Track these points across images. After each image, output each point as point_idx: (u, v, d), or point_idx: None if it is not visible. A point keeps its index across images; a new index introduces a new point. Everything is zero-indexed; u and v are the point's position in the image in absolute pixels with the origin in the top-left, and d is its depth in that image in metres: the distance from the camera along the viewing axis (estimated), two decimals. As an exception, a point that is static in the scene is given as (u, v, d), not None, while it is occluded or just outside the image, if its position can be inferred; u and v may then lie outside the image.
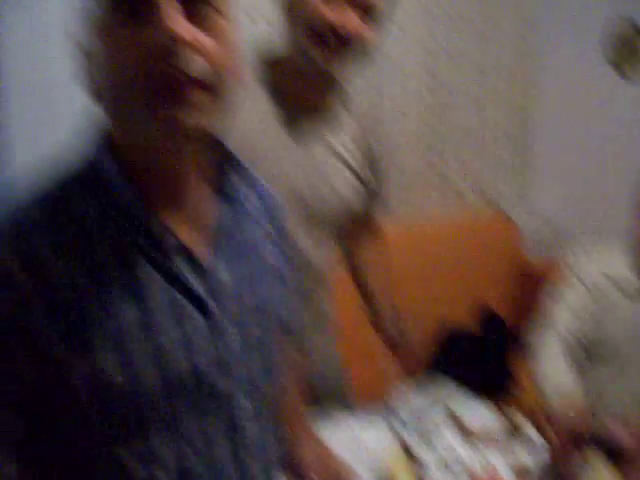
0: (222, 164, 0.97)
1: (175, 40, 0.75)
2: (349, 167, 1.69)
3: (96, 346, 0.80)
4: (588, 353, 2.15)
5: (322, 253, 1.70)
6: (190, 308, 0.87)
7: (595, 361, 2.13)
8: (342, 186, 1.67)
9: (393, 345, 1.85)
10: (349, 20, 1.45)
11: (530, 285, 3.40)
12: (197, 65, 0.78)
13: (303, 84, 1.58)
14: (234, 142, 1.00)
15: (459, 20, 3.37)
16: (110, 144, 0.87)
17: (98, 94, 0.84)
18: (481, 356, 3.09)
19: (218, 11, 0.81)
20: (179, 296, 0.86)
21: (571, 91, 3.46)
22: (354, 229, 1.87)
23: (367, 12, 1.48)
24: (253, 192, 1.06)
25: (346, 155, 1.67)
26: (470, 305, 3.34)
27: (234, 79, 0.84)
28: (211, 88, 0.80)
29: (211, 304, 0.89)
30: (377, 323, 1.91)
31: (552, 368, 2.19)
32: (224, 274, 0.92)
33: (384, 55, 3.11)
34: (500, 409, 1.87)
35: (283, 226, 1.11)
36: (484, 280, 3.37)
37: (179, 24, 0.76)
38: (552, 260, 3.53)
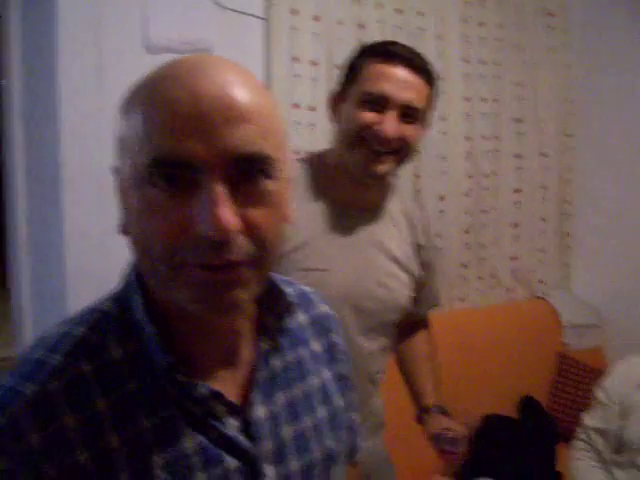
0: (263, 297, 0.90)
1: (223, 231, 0.70)
2: (398, 263, 1.72)
3: None
4: (617, 452, 2.18)
5: (376, 349, 1.72)
6: (221, 452, 0.82)
7: (625, 461, 2.15)
8: (393, 282, 1.70)
9: (439, 446, 1.79)
10: (390, 124, 1.52)
11: (567, 373, 3.38)
12: (243, 248, 0.74)
13: (351, 186, 1.64)
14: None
15: (498, 106, 3.44)
16: (139, 275, 0.84)
17: (126, 229, 0.81)
18: (520, 443, 3.06)
19: (267, 176, 0.76)
20: (207, 441, 0.81)
21: (611, 179, 3.50)
22: (404, 323, 1.87)
23: (409, 114, 1.55)
24: (300, 310, 1.02)
25: (396, 251, 1.72)
26: (510, 392, 3.30)
27: (280, 244, 0.80)
28: (257, 263, 0.76)
29: (245, 445, 0.84)
30: (421, 418, 1.88)
31: (579, 465, 2.23)
32: (260, 410, 0.87)
33: (426, 139, 3.16)
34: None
35: (334, 342, 1.06)
36: (525, 367, 3.35)
37: (228, 210, 0.71)
38: (592, 349, 3.52)
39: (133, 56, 2.50)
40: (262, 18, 2.77)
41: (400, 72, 1.54)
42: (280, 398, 0.91)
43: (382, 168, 1.58)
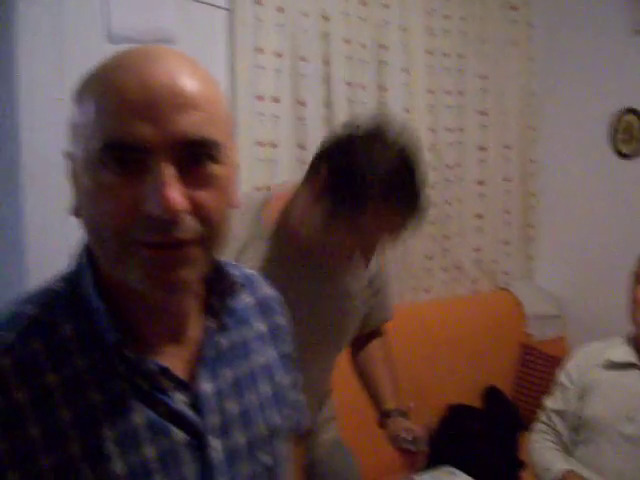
0: (210, 277, 0.94)
1: (171, 211, 0.74)
2: (352, 297, 1.80)
3: (76, 464, 0.78)
4: (576, 431, 2.25)
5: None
6: (169, 425, 0.85)
7: (583, 439, 2.22)
8: (347, 320, 1.81)
9: (399, 446, 1.84)
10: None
11: (531, 362, 3.42)
12: (191, 228, 0.78)
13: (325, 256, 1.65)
14: None
15: (462, 99, 3.48)
16: (90, 255, 0.87)
17: (78, 211, 0.84)
18: (484, 432, 3.09)
19: (214, 160, 0.80)
20: (155, 415, 0.84)
21: (573, 172, 3.55)
22: (358, 336, 1.94)
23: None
24: (245, 292, 1.05)
25: (351, 287, 1.79)
26: (475, 382, 3.34)
27: (226, 225, 0.84)
28: (204, 242, 0.80)
29: (192, 418, 0.87)
30: (383, 422, 1.91)
31: (537, 447, 2.29)
32: (207, 386, 0.91)
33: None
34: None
35: (278, 323, 1.10)
36: (489, 358, 3.38)
37: (176, 190, 0.75)
38: (554, 339, 3.57)
39: (94, 46, 2.47)
40: (226, 9, 2.76)
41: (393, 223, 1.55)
42: (226, 375, 0.94)
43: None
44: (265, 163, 2.85)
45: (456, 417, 3.17)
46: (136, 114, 0.75)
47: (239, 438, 0.93)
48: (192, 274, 0.81)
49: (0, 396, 0.76)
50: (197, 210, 0.78)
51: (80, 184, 0.81)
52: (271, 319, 1.09)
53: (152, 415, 0.84)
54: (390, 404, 1.91)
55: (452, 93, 3.42)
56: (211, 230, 0.80)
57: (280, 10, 2.84)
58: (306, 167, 2.97)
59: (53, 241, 2.38)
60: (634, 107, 3.22)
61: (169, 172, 0.75)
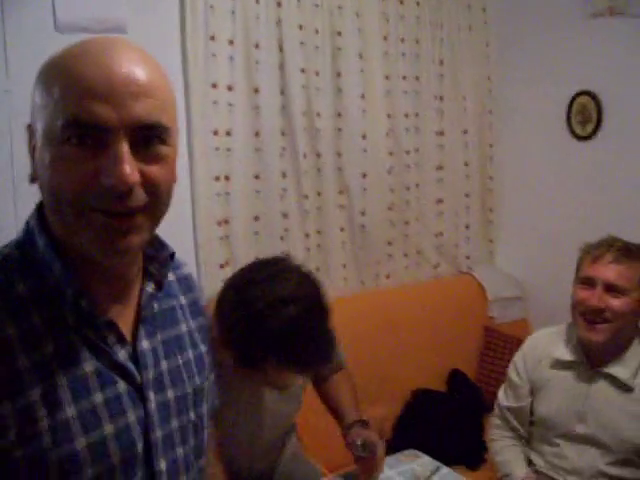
0: (149, 249, 1.07)
1: (125, 183, 0.86)
2: None
3: (35, 409, 0.88)
4: (532, 426, 2.27)
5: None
6: (114, 375, 0.97)
7: (539, 435, 2.23)
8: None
9: (358, 458, 1.97)
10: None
11: (494, 345, 3.45)
12: (140, 198, 0.90)
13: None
14: None
15: (419, 84, 3.47)
16: (42, 218, 0.97)
17: (34, 177, 0.95)
18: (449, 415, 3.11)
19: (163, 142, 0.92)
20: (102, 366, 0.96)
21: (531, 155, 3.57)
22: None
23: None
24: (172, 272, 1.17)
25: None
26: (439, 366, 3.35)
27: (170, 197, 0.96)
28: (150, 211, 0.92)
29: (133, 371, 1.00)
30: (345, 434, 2.02)
31: (496, 445, 2.31)
32: (145, 343, 1.03)
33: (347, 117, 3.20)
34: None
35: (196, 299, 1.22)
36: (452, 342, 3.39)
37: (129, 166, 0.87)
38: (517, 321, 3.60)
39: (41, 36, 2.43)
40: (178, -4, 2.73)
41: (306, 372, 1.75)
42: (158, 336, 1.07)
43: None
44: (220, 152, 2.83)
45: (420, 401, 3.18)
46: (97, 97, 0.86)
47: (169, 394, 1.05)
48: (138, 240, 0.93)
49: None
50: (147, 182, 0.90)
51: (40, 155, 0.91)
52: (190, 294, 1.21)
53: (99, 365, 0.95)
54: (351, 418, 2.02)
55: (408, 78, 3.41)
56: (157, 201, 0.92)
57: (232, -3, 2.81)
58: (262, 155, 2.98)
59: (2, 230, 2.33)
60: (589, 89, 3.25)
61: (124, 149, 0.87)
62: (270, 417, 1.97)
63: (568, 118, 3.35)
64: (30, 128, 0.95)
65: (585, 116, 3.30)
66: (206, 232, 2.86)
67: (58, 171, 0.88)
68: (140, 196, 0.89)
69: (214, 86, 2.79)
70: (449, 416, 3.07)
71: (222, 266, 2.88)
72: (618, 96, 3.15)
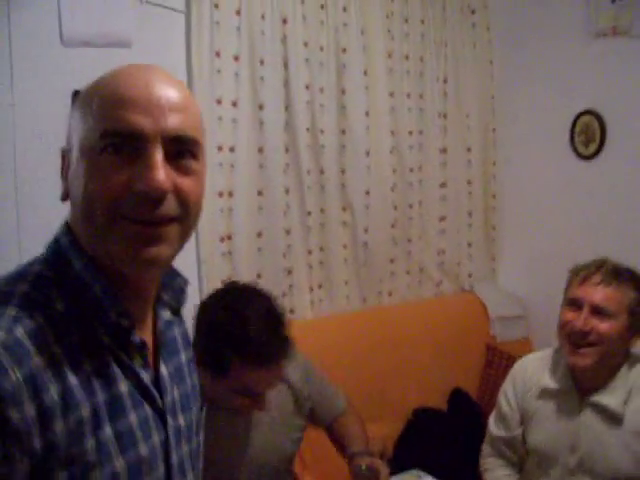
0: (164, 276, 1.08)
1: (158, 189, 0.89)
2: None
3: (83, 429, 0.87)
4: (525, 455, 2.20)
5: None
6: (140, 397, 0.97)
7: (532, 465, 2.17)
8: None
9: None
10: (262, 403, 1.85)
11: (496, 364, 3.43)
12: (172, 207, 0.92)
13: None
14: None
15: (423, 102, 3.47)
16: (74, 238, 0.97)
17: (66, 195, 0.97)
18: (450, 435, 3.09)
19: (194, 157, 0.95)
20: (133, 387, 0.96)
21: (534, 173, 3.57)
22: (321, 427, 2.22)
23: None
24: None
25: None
26: (441, 385, 3.33)
27: (199, 212, 0.98)
28: (180, 222, 0.94)
29: (155, 395, 1.00)
30: (350, 462, 2.04)
31: (492, 476, 2.25)
32: (164, 368, 1.05)
33: (352, 134, 3.19)
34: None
35: (186, 331, 1.22)
36: (454, 360, 3.38)
37: (163, 173, 0.89)
38: (519, 340, 3.58)
39: (47, 50, 2.43)
40: (183, 12, 2.73)
41: (265, 372, 1.78)
42: (171, 362, 1.09)
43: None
44: (224, 167, 2.82)
45: (422, 420, 3.16)
46: (136, 108, 0.89)
47: (181, 420, 1.07)
48: (167, 251, 0.94)
49: (23, 362, 0.82)
50: (178, 193, 0.92)
51: (75, 169, 0.93)
52: (183, 327, 1.21)
53: (131, 386, 0.96)
54: (358, 448, 2.06)
55: (412, 96, 3.41)
56: (188, 212, 0.94)
57: (238, 13, 2.82)
58: (265, 171, 2.98)
59: (5, 242, 2.38)
60: (593, 109, 3.25)
61: (158, 157, 0.90)
62: (251, 448, 1.98)
63: (571, 137, 3.35)
64: (64, 151, 0.99)
65: (588, 135, 3.29)
66: (209, 248, 2.85)
67: (93, 180, 0.90)
68: (172, 205, 0.92)
69: (219, 102, 2.79)
70: (451, 435, 3.05)
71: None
72: (622, 116, 3.15)
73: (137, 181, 0.89)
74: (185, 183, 0.93)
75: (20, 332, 0.84)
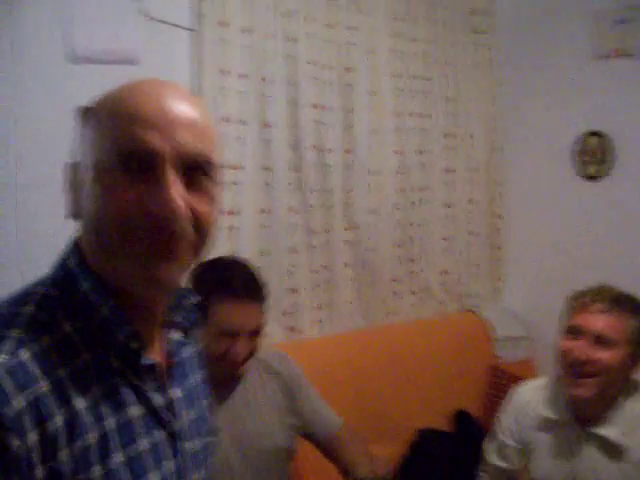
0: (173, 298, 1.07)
1: (173, 210, 0.87)
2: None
3: (90, 454, 0.85)
4: None
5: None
6: (154, 422, 0.96)
7: None
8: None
9: None
10: (243, 347, 1.92)
11: (500, 384, 3.40)
12: (185, 226, 0.90)
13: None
14: None
15: (428, 121, 3.47)
16: (82, 257, 0.96)
17: (76, 212, 0.95)
18: (454, 456, 3.06)
19: (209, 177, 0.94)
20: (146, 412, 0.95)
21: (539, 193, 3.57)
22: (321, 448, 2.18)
23: (254, 336, 1.95)
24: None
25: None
26: (444, 406, 3.31)
27: (212, 231, 0.97)
28: (193, 242, 0.93)
29: (168, 419, 0.98)
30: None
31: None
32: (177, 391, 1.03)
33: (357, 153, 3.19)
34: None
35: (200, 350, 1.21)
36: (458, 381, 3.36)
37: (178, 194, 0.88)
38: (523, 360, 3.56)
39: (55, 67, 2.43)
40: (190, 29, 2.74)
41: (244, 307, 1.91)
42: (183, 385, 1.06)
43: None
44: (230, 186, 2.81)
45: (426, 442, 3.13)
46: (150, 126, 0.88)
47: (194, 444, 1.05)
48: (178, 270, 0.93)
49: (28, 387, 0.81)
50: (192, 213, 0.91)
51: (89, 188, 0.91)
52: (196, 346, 1.19)
53: (143, 409, 0.94)
54: (363, 473, 2.03)
55: (418, 115, 3.42)
56: (201, 233, 0.93)
57: (245, 31, 2.82)
58: (271, 190, 2.99)
59: (4, 257, 2.37)
60: (597, 130, 3.25)
61: (173, 177, 0.89)
62: (242, 430, 2.01)
63: (576, 157, 3.35)
64: (69, 167, 0.97)
65: (593, 156, 3.30)
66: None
67: (107, 199, 0.89)
68: (185, 226, 0.90)
69: (225, 120, 2.78)
70: (455, 458, 3.02)
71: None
72: (627, 136, 3.16)
73: (152, 202, 0.87)
74: (199, 204, 0.92)
75: (25, 356, 0.83)
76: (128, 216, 0.87)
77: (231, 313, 1.89)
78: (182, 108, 0.92)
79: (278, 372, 2.13)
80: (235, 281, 1.92)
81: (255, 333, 1.96)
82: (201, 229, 0.93)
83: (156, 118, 0.89)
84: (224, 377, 1.96)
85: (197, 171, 0.92)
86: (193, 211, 0.91)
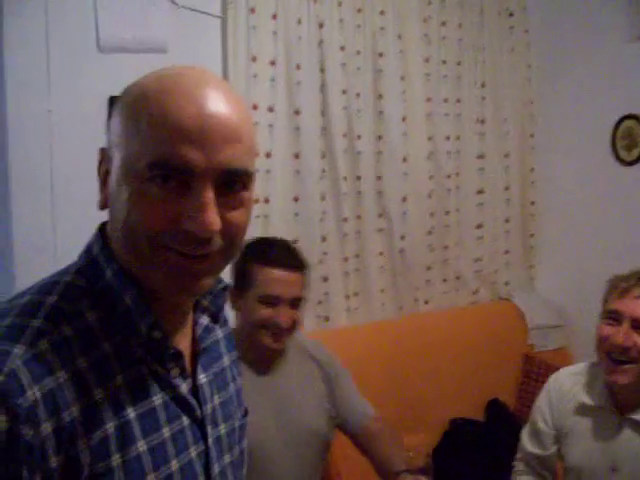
0: None
1: (209, 231, 0.85)
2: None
3: (109, 444, 0.85)
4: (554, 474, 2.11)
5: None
6: (177, 409, 0.95)
7: None
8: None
9: None
10: (284, 315, 1.95)
11: (534, 374, 3.37)
12: (218, 243, 0.88)
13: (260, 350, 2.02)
14: None
15: (460, 107, 3.43)
16: (106, 244, 0.95)
17: (105, 205, 0.93)
18: (487, 446, 3.04)
19: (245, 187, 0.90)
20: (169, 399, 0.94)
21: (573, 179, 3.51)
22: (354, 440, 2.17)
23: (295, 304, 1.99)
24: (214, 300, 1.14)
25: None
26: (477, 395, 3.28)
27: (243, 239, 0.95)
28: (224, 253, 0.91)
29: (194, 405, 0.97)
30: None
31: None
32: (202, 376, 1.02)
33: (388, 140, 3.16)
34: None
35: (230, 332, 1.20)
36: (491, 369, 3.32)
37: (214, 213, 0.85)
38: (558, 349, 3.51)
39: (83, 56, 2.44)
40: (219, 17, 2.72)
41: (284, 274, 1.96)
42: (211, 369, 1.05)
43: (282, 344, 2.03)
44: (260, 174, 2.80)
45: (459, 431, 3.11)
46: (188, 140, 0.83)
47: (222, 429, 1.04)
48: (209, 283, 0.93)
49: (44, 378, 0.80)
50: (226, 228, 0.88)
51: (116, 187, 0.89)
52: (225, 327, 1.17)
53: (167, 398, 0.93)
54: (399, 466, 1.97)
55: (450, 101, 3.37)
56: (232, 244, 0.91)
57: (274, 17, 2.80)
58: (301, 177, 2.98)
59: (41, 247, 2.38)
60: (634, 113, 3.18)
61: (210, 195, 0.85)
62: (279, 411, 2.02)
63: (613, 142, 3.29)
64: (103, 152, 0.94)
65: (631, 140, 3.23)
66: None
67: (138, 207, 0.85)
68: (218, 242, 0.88)
69: (255, 107, 2.77)
70: (489, 447, 2.99)
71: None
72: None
73: (187, 220, 0.84)
74: (234, 216, 0.89)
75: (44, 346, 0.82)
76: (159, 230, 0.85)
77: (271, 279, 1.94)
78: (224, 114, 0.86)
79: (316, 358, 2.14)
80: (276, 249, 2.01)
81: (295, 303, 1.98)
82: (233, 239, 0.91)
83: (195, 129, 0.84)
84: (265, 349, 1.99)
85: (234, 182, 0.89)
86: (227, 224, 0.88)
